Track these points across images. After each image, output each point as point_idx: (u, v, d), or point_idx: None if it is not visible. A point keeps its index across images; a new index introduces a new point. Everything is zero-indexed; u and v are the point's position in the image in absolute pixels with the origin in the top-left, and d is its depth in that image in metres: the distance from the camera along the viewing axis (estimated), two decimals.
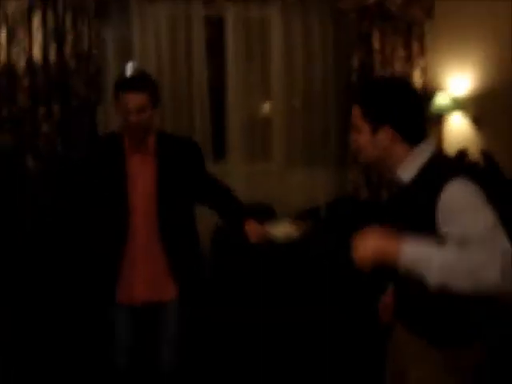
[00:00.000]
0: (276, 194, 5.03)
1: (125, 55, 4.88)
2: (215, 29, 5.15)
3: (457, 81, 4.93)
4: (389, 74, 5.01)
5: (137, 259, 2.91)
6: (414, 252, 1.86)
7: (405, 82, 2.37)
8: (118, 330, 3.02)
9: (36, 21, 4.55)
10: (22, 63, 4.54)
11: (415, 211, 2.01)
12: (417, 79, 5.00)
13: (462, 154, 4.60)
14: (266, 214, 4.78)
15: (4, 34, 4.50)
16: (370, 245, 1.91)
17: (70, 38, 4.62)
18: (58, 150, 4.62)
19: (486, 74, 4.79)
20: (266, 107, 5.35)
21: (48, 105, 4.61)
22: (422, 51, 5.06)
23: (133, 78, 3.17)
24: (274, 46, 5.17)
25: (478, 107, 4.89)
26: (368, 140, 2.07)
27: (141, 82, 2.84)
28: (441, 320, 2.06)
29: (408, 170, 2.07)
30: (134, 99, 2.75)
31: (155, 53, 4.86)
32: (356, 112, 2.08)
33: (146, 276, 2.92)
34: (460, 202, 1.91)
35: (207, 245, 4.71)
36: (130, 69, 4.89)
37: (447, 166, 2.07)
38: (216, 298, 4.26)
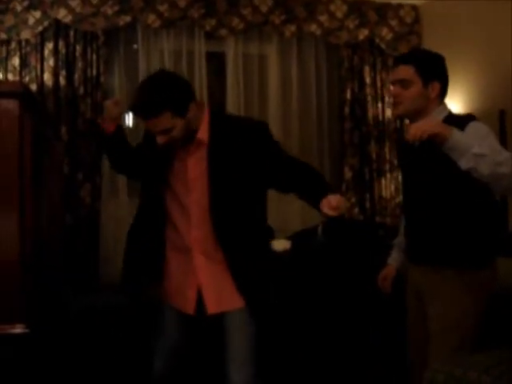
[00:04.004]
0: (274, 218, 5.19)
1: (131, 83, 5.10)
2: (217, 63, 5.45)
3: None
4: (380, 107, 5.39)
5: (198, 266, 2.58)
6: (460, 138, 2.24)
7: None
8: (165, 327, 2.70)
9: (48, 48, 4.79)
10: (33, 88, 4.73)
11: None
12: None
13: None
14: None
15: (17, 60, 4.72)
16: (429, 123, 2.28)
17: (79, 64, 4.86)
18: (65, 171, 4.77)
19: (471, 102, 5.12)
20: None
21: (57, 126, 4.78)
22: None
23: (141, 101, 2.42)
24: (271, 80, 5.47)
25: None
26: (419, 91, 2.55)
27: (153, 104, 2.37)
28: (465, 249, 2.51)
29: None
30: (152, 125, 2.42)
31: None
32: (408, 70, 2.57)
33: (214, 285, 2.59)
34: (480, 132, 2.38)
35: None
36: None
37: (465, 116, 2.67)
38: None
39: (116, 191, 5.04)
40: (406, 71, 2.57)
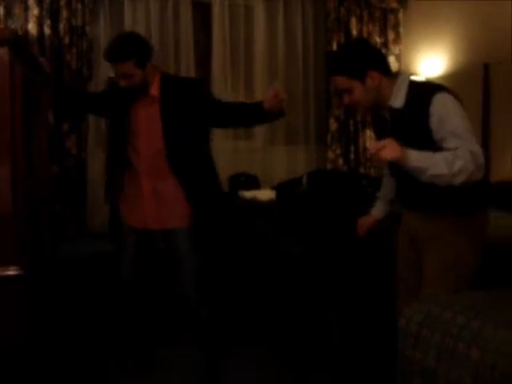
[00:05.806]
0: (259, 169, 5.29)
1: (117, 33, 5.03)
2: (203, 13, 5.43)
3: (429, 63, 5.29)
4: None
5: (146, 192, 3.20)
6: (416, 163, 2.32)
7: (359, 38, 2.83)
8: (125, 244, 3.35)
9: None
10: None
11: (414, 124, 2.50)
12: (392, 65, 5.35)
13: None
14: (251, 183, 5.02)
15: (1, 10, 4.65)
16: (388, 149, 2.32)
17: (64, 14, 4.81)
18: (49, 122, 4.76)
19: (456, 56, 5.15)
20: (249, 88, 5.57)
21: None
22: (397, 38, 5.47)
23: (114, 48, 3.02)
24: (257, 31, 5.47)
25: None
26: (362, 90, 2.56)
27: (122, 51, 2.96)
28: (458, 197, 2.56)
29: (397, 98, 2.56)
30: (118, 69, 2.98)
31: (145, 31, 5.04)
32: (341, 80, 2.58)
33: (156, 208, 3.20)
34: (445, 110, 2.43)
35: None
36: None
37: (428, 85, 2.74)
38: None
39: (102, 142, 5.03)
40: (340, 81, 2.57)
